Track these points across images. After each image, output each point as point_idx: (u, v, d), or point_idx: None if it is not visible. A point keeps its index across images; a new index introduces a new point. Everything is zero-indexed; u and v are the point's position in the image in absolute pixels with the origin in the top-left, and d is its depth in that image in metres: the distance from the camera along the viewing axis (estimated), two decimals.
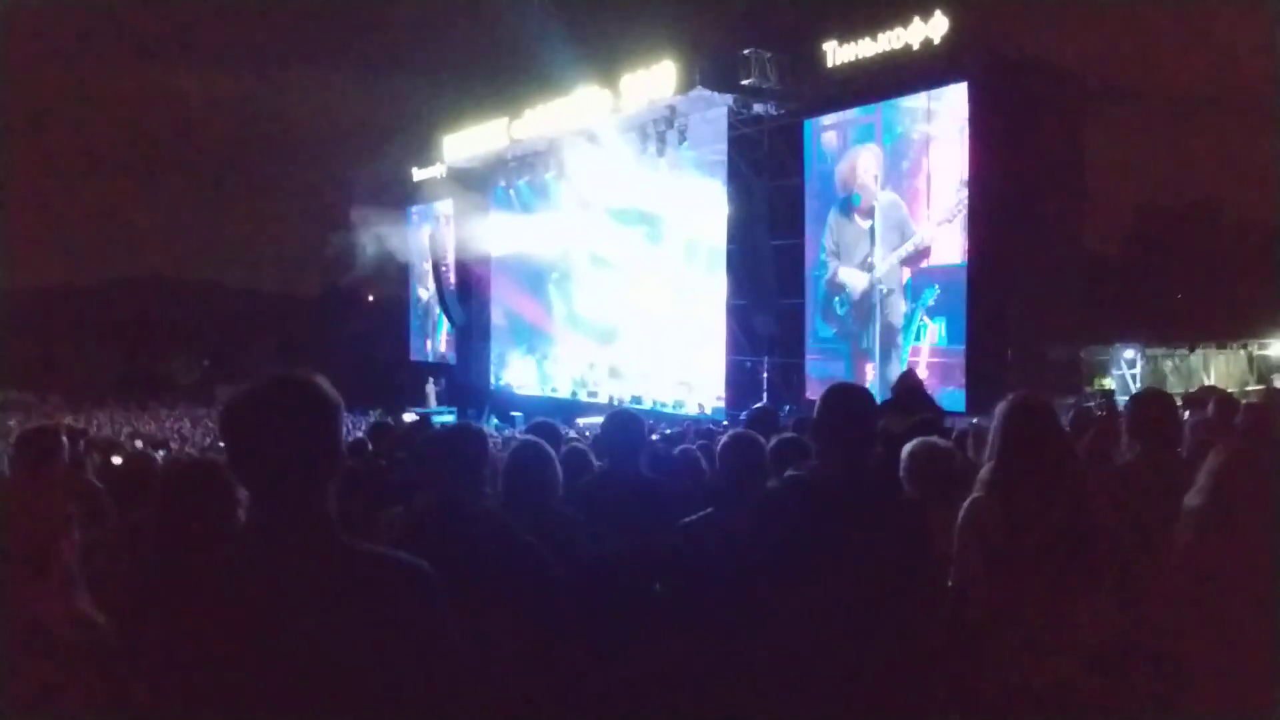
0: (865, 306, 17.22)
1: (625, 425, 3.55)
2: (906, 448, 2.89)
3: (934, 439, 3.01)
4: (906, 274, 16.55)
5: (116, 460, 5.83)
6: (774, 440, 3.44)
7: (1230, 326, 18.19)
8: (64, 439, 4.18)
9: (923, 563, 2.35)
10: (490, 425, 22.42)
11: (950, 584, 2.46)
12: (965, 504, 2.52)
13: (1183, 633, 1.90)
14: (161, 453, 13.95)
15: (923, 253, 16.17)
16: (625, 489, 3.33)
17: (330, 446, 1.51)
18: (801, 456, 2.72)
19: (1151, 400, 2.94)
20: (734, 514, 2.73)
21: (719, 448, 3.07)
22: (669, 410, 20.61)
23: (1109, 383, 16.02)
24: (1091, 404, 12.39)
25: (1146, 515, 2.36)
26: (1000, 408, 2.62)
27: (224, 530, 2.03)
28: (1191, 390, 14.66)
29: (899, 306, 16.61)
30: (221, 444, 1.59)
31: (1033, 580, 2.36)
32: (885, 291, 16.80)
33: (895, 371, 16.18)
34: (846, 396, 2.46)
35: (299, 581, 1.41)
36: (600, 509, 3.21)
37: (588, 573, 2.57)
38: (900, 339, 16.61)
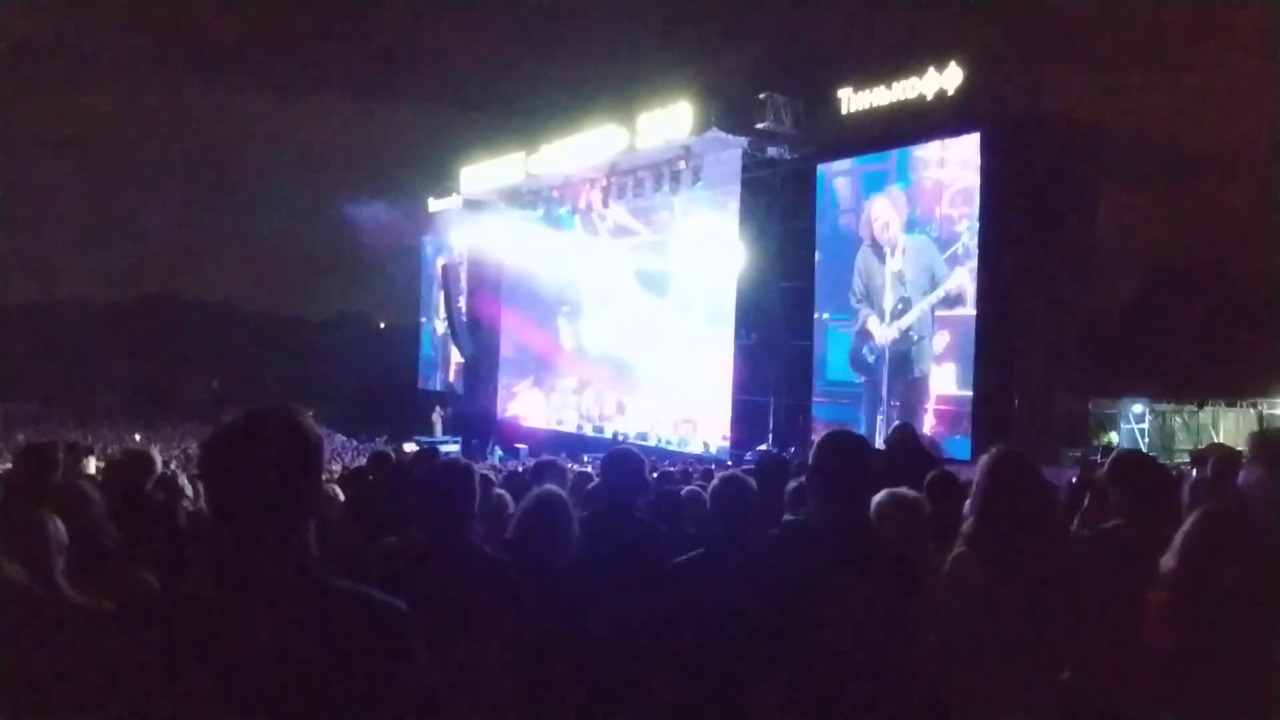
0: (896, 354, 16.99)
1: (624, 465, 3.55)
2: (875, 499, 2.88)
3: (902, 490, 3.00)
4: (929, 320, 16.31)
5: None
6: (792, 484, 3.45)
7: (1240, 384, 18.10)
8: (60, 455, 4.22)
9: (913, 613, 2.35)
10: (494, 457, 22.40)
11: (932, 637, 2.45)
12: (950, 558, 2.52)
13: (1161, 696, 1.89)
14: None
15: (954, 299, 15.96)
16: (618, 534, 3.32)
17: (309, 485, 1.51)
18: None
19: (1131, 463, 2.94)
20: (725, 555, 2.74)
21: (710, 490, 3.07)
22: (673, 448, 20.57)
23: (1114, 437, 15.92)
24: (1095, 458, 12.34)
25: (1130, 575, 2.35)
26: (982, 461, 2.63)
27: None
28: (1200, 447, 14.61)
29: (924, 355, 16.37)
30: (202, 474, 1.60)
31: (1013, 637, 2.35)
32: (916, 339, 16.59)
33: (914, 418, 15.92)
34: (841, 443, 2.47)
35: (273, 618, 1.41)
36: (591, 554, 3.20)
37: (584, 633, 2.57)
38: (925, 387, 16.36)
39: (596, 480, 4.64)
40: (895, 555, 2.40)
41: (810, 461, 2.45)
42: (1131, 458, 3.12)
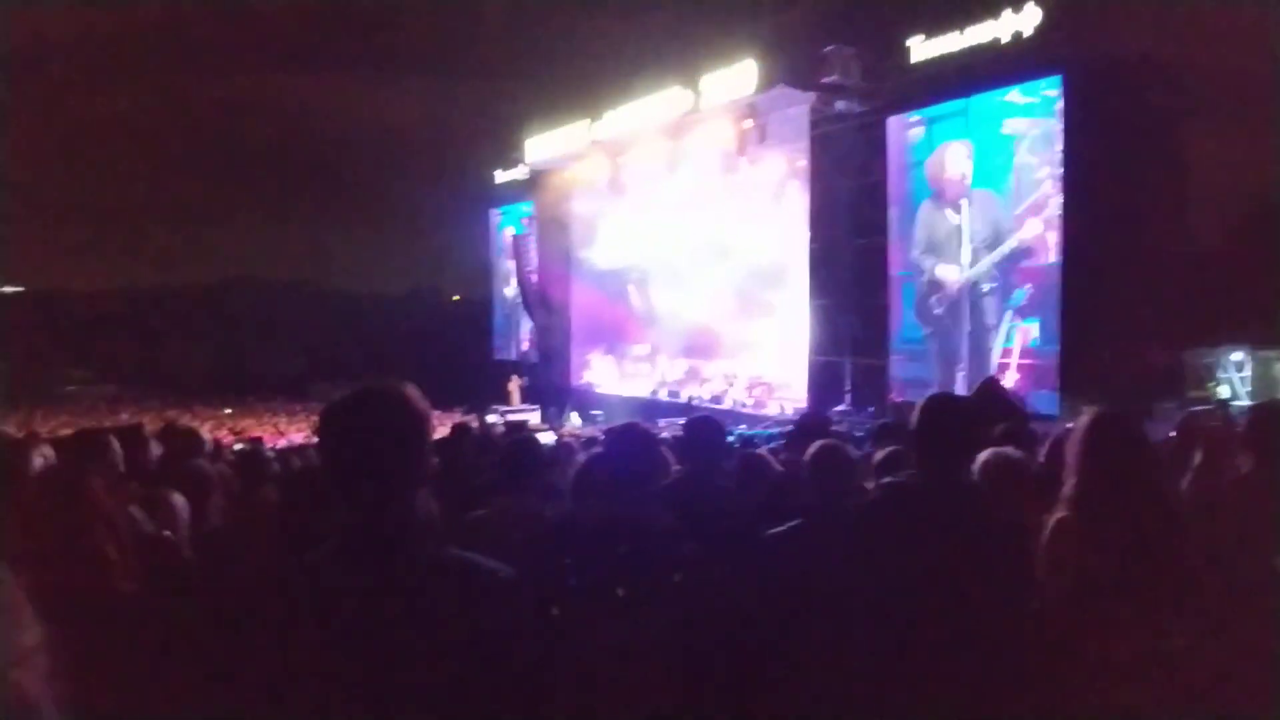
0: (960, 306, 16.74)
1: (706, 432, 3.52)
2: (979, 458, 2.80)
3: (1007, 449, 2.90)
4: (999, 274, 16.08)
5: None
6: (880, 454, 3.38)
7: None
8: (114, 441, 4.15)
9: (1021, 579, 2.29)
10: (569, 423, 22.63)
11: (1034, 604, 2.38)
12: (1050, 522, 2.43)
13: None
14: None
15: (1022, 253, 15.64)
16: (702, 498, 3.30)
17: (420, 454, 1.57)
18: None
19: (1272, 411, 2.76)
20: (826, 527, 2.69)
21: (808, 458, 3.01)
22: (749, 411, 20.49)
23: (1223, 390, 15.19)
24: (1202, 411, 11.81)
25: (1259, 536, 2.22)
26: (1080, 423, 2.52)
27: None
28: None
29: (993, 307, 16.11)
30: (319, 447, 1.65)
31: (1116, 604, 2.26)
32: (983, 290, 16.31)
33: (988, 373, 15.73)
34: (946, 406, 2.42)
35: (389, 584, 1.47)
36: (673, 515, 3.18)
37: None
38: (993, 340, 16.14)
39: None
40: (1003, 520, 2.32)
41: (915, 424, 2.39)
42: (1270, 406, 2.94)
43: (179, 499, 2.89)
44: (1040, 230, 15.27)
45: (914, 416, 2.38)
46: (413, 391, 1.59)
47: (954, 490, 2.29)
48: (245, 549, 3.11)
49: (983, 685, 2.17)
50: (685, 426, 3.84)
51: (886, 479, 2.43)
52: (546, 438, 9.73)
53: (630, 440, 2.81)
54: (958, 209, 16.77)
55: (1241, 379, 15.16)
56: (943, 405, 2.40)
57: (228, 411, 33.90)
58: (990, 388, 5.82)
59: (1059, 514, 2.49)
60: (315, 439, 1.65)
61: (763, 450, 5.60)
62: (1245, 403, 14.65)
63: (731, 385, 22.14)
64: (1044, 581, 2.40)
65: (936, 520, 2.20)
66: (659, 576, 2.58)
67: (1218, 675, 2.24)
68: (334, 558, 1.52)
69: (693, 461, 3.62)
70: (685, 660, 2.33)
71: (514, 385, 29.21)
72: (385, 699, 1.40)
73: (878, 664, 2.21)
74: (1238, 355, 15.38)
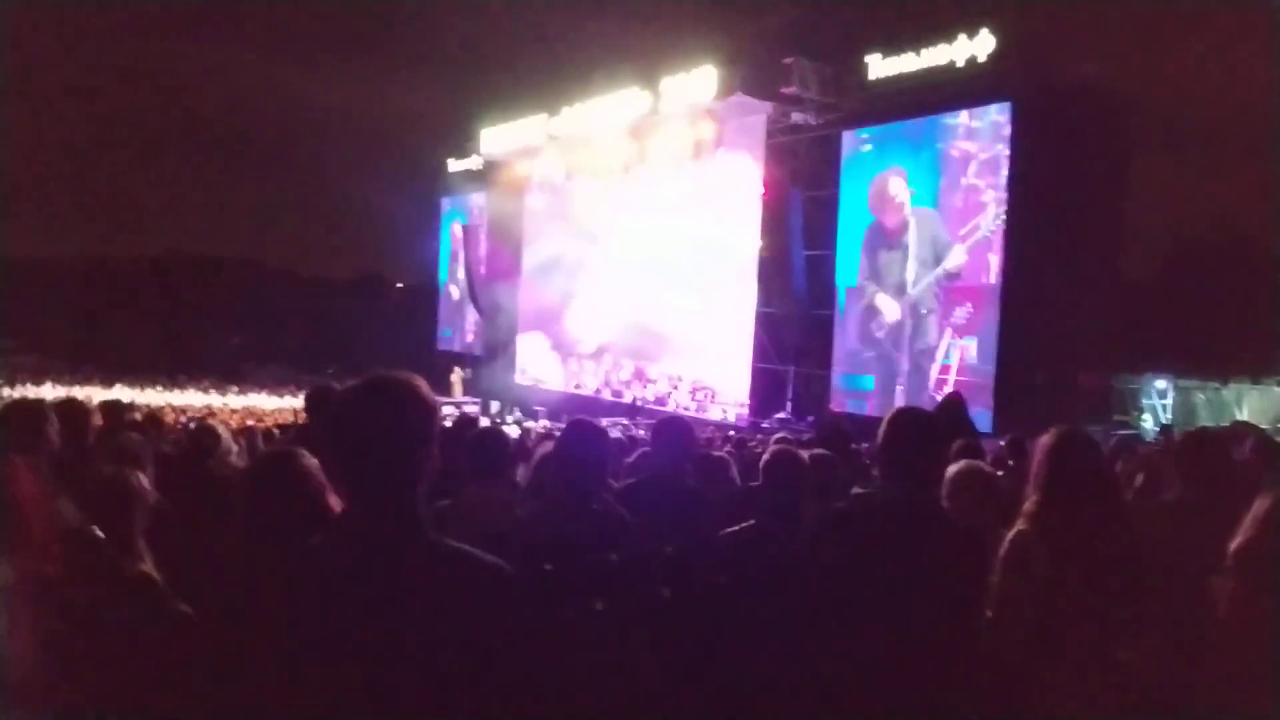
0: (902, 330, 17.16)
1: (677, 432, 3.61)
2: (951, 469, 2.91)
3: (978, 463, 3.03)
4: (940, 293, 16.50)
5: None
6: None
7: (1265, 362, 17.93)
8: (52, 415, 3.99)
9: (979, 592, 2.38)
10: (513, 419, 22.54)
11: (990, 615, 2.48)
12: (1010, 535, 2.54)
13: (1229, 681, 1.91)
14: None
15: (956, 274, 16.12)
16: (670, 495, 3.37)
17: (428, 447, 1.57)
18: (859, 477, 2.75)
19: (1202, 441, 2.94)
20: (782, 528, 2.77)
21: (765, 463, 3.09)
22: (692, 415, 20.63)
23: (1147, 417, 15.84)
24: (1131, 436, 12.25)
25: (1193, 555, 2.37)
26: (1044, 440, 2.64)
27: (311, 518, 2.08)
28: (1223, 425, 14.49)
29: (934, 327, 16.57)
30: (325, 435, 1.65)
31: (1077, 616, 2.38)
32: (924, 312, 16.73)
33: (925, 390, 16.13)
34: (912, 421, 2.49)
35: (391, 574, 1.47)
36: (644, 512, 3.24)
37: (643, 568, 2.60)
38: (933, 359, 16.55)
39: (643, 448, 4.68)
40: (964, 533, 2.42)
41: (881, 437, 2.47)
42: (1205, 436, 3.12)
43: (140, 479, 2.84)
44: (982, 250, 15.70)
45: (881, 429, 2.48)
46: (422, 383, 1.60)
47: (918, 503, 2.37)
48: (201, 533, 3.08)
49: (940, 691, 2.26)
50: (654, 427, 3.90)
51: (856, 490, 2.51)
52: (511, 430, 9.71)
53: (583, 435, 2.86)
54: (899, 237, 17.19)
55: (1163, 406, 15.81)
56: (909, 420, 2.48)
57: (158, 390, 32.96)
58: (954, 405, 5.98)
59: (1019, 527, 2.60)
60: (329, 429, 1.62)
61: (722, 452, 5.70)
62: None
63: (676, 388, 22.29)
64: (1003, 592, 2.52)
65: (900, 533, 2.28)
66: (626, 577, 2.65)
67: (1161, 685, 2.37)
68: (334, 547, 1.52)
69: (660, 461, 3.68)
70: (658, 657, 2.39)
71: (456, 377, 28.94)
72: (383, 691, 1.41)
73: (835, 667, 2.29)
74: (1161, 384, 16.05)
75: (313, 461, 2.29)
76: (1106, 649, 2.38)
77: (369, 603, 1.44)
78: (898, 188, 17.19)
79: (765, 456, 3.13)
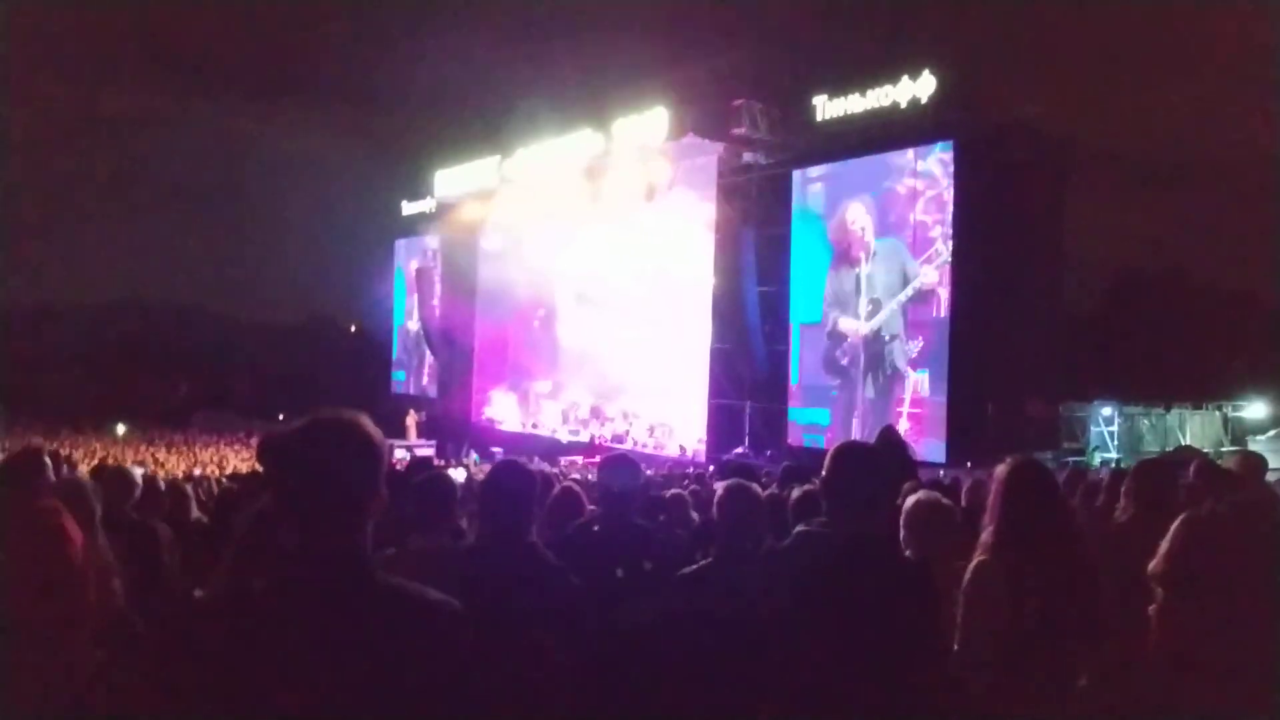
0: (869, 355, 17.25)
1: (623, 472, 3.58)
2: (909, 500, 2.94)
3: (936, 494, 3.07)
4: (903, 321, 16.63)
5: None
6: (797, 492, 3.49)
7: (1205, 388, 18.49)
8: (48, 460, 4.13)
9: (932, 625, 2.40)
10: (472, 460, 22.28)
11: (955, 647, 2.50)
12: (970, 567, 2.57)
13: (1166, 691, 1.96)
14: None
15: (919, 298, 16.25)
16: (618, 537, 3.36)
17: (374, 485, 1.56)
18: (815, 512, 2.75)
19: (1150, 467, 3.04)
20: (736, 566, 2.77)
21: (718, 499, 3.10)
22: (649, 451, 20.62)
23: (1094, 443, 16.22)
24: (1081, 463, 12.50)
25: (1143, 576, 2.43)
26: (1000, 471, 2.68)
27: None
28: (1167, 450, 14.87)
29: (899, 353, 16.66)
30: (271, 476, 1.63)
31: (1038, 643, 2.41)
32: (888, 338, 16.88)
33: (886, 421, 16.24)
34: (856, 456, 2.51)
35: (339, 614, 1.46)
36: (591, 555, 3.23)
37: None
38: (899, 387, 16.62)
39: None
40: (912, 565, 2.44)
41: (825, 473, 2.49)
42: (1148, 464, 3.21)
43: (164, 529, 2.81)
44: (935, 281, 15.98)
45: (825, 464, 2.50)
46: (367, 421, 1.58)
47: (863, 538, 2.37)
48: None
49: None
50: (600, 466, 3.88)
51: (800, 527, 2.51)
52: (457, 474, 9.59)
53: (510, 473, 2.85)
54: (861, 265, 17.39)
55: (1110, 433, 16.18)
56: (853, 454, 2.50)
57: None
58: (888, 436, 6.04)
59: (979, 557, 2.63)
60: (260, 467, 1.61)
61: (682, 489, 5.69)
62: (1113, 455, 15.67)
63: (632, 425, 22.28)
64: (966, 623, 2.53)
65: (847, 569, 2.29)
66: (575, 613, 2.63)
67: (1121, 708, 2.40)
68: (281, 587, 1.50)
69: (606, 502, 3.67)
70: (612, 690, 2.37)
71: (411, 420, 28.59)
72: None
73: (791, 703, 2.29)
74: (1107, 410, 16.44)
75: None
76: (1068, 675, 2.41)
77: (316, 643, 1.42)
78: (857, 214, 17.45)
79: (719, 492, 3.14)
